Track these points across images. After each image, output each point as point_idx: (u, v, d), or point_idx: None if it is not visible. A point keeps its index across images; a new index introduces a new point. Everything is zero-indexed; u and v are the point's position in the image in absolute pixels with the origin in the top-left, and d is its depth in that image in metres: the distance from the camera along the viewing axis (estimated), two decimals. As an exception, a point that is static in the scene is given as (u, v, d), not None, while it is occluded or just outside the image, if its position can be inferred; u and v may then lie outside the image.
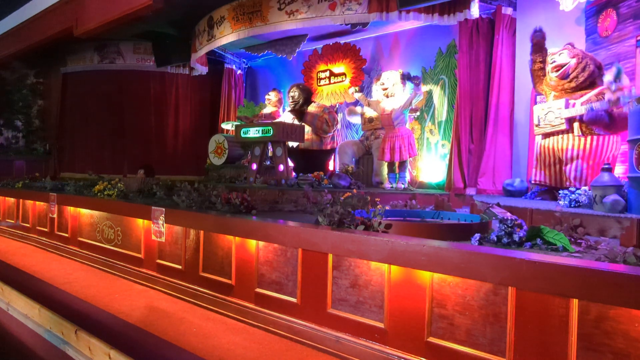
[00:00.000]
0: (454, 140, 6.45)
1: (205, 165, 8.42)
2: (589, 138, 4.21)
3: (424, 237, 2.69)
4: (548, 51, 4.80)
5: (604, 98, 4.07)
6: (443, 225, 3.13)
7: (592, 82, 4.40)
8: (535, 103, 5.59)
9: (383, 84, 6.91)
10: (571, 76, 4.46)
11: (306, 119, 7.75)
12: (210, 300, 3.71)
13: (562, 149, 4.39)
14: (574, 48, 4.54)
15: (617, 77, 3.83)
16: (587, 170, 4.20)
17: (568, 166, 4.32)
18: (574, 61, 4.43)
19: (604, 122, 4.06)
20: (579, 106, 4.26)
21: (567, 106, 4.36)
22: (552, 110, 4.49)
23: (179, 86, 10.79)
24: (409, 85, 6.82)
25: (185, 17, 8.36)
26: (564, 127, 4.37)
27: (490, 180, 6.12)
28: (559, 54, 4.55)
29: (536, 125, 4.68)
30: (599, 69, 4.41)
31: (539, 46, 4.93)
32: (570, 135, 4.35)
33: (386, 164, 6.65)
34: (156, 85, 10.61)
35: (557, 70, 4.54)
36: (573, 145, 4.29)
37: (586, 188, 3.79)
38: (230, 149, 7.41)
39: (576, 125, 4.31)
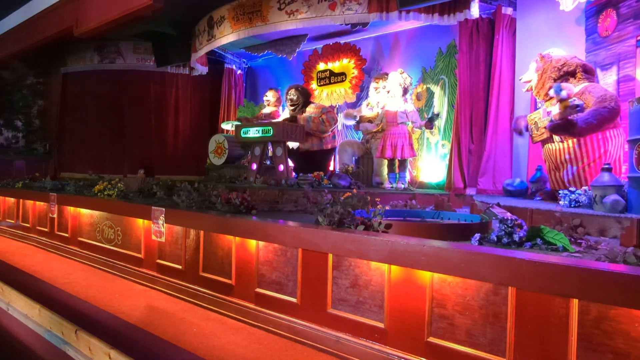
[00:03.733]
0: (454, 140, 6.45)
1: (205, 165, 8.42)
2: (570, 142, 4.23)
3: (424, 237, 2.69)
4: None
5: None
6: (443, 225, 3.13)
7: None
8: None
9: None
10: (534, 92, 4.71)
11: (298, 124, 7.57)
12: (210, 300, 3.71)
13: (554, 155, 4.43)
14: (542, 59, 4.64)
15: (557, 93, 4.05)
16: (579, 172, 4.21)
17: (562, 171, 4.35)
18: (536, 77, 4.63)
19: (561, 130, 4.13)
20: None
21: (544, 115, 4.46)
22: (537, 119, 4.63)
23: (179, 86, 10.78)
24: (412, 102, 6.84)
25: (185, 17, 8.37)
26: (545, 135, 4.47)
27: (490, 180, 6.12)
28: (530, 66, 4.74)
29: (530, 135, 4.77)
30: (571, 74, 4.44)
31: None
32: (555, 142, 4.41)
33: (386, 163, 6.65)
34: (156, 85, 10.61)
35: (525, 85, 4.81)
36: (560, 150, 4.34)
37: (586, 188, 3.79)
38: (230, 149, 7.41)
39: None
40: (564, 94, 4.02)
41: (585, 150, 4.15)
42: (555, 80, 4.42)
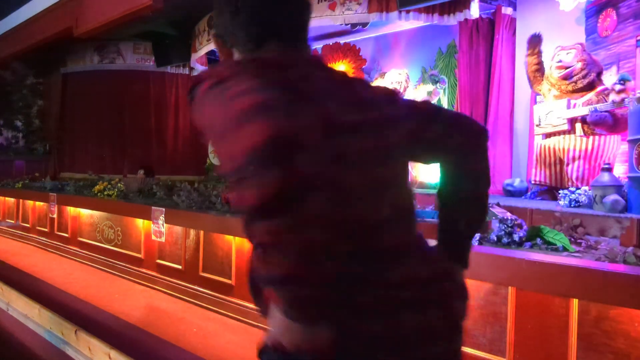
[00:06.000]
0: (454, 140, 6.44)
1: (205, 165, 8.42)
2: (590, 138, 4.21)
3: (424, 237, 2.67)
4: (556, 46, 4.73)
5: (605, 99, 4.08)
6: (443, 225, 3.11)
7: (590, 84, 4.40)
8: (535, 103, 5.58)
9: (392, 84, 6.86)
10: (573, 79, 4.46)
11: None
12: (210, 300, 3.71)
13: (563, 149, 4.39)
14: (584, 51, 4.44)
15: (622, 80, 3.92)
16: (590, 170, 4.20)
17: (569, 166, 4.33)
18: (579, 65, 4.37)
19: (607, 123, 4.06)
20: (581, 107, 4.26)
21: (568, 107, 4.37)
22: (553, 110, 4.52)
23: (179, 86, 10.76)
24: (427, 86, 6.75)
25: (185, 17, 8.36)
26: (565, 127, 4.39)
27: (490, 180, 6.12)
28: (566, 53, 4.48)
29: (537, 125, 4.70)
30: (598, 75, 4.41)
31: (534, 48, 4.92)
32: (572, 135, 4.36)
33: (386, 164, 6.63)
34: (156, 85, 10.59)
35: (560, 70, 4.49)
36: (575, 146, 4.30)
37: (586, 188, 3.79)
38: (230, 149, 7.39)
39: (578, 125, 4.31)
40: (630, 84, 3.91)
41: (603, 148, 4.13)
42: (597, 75, 4.38)
